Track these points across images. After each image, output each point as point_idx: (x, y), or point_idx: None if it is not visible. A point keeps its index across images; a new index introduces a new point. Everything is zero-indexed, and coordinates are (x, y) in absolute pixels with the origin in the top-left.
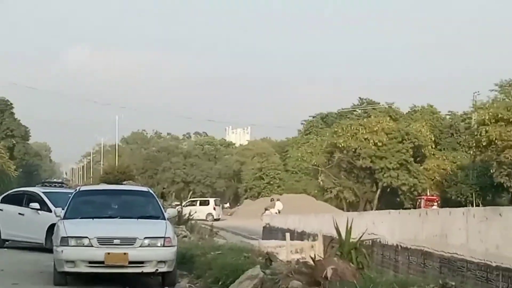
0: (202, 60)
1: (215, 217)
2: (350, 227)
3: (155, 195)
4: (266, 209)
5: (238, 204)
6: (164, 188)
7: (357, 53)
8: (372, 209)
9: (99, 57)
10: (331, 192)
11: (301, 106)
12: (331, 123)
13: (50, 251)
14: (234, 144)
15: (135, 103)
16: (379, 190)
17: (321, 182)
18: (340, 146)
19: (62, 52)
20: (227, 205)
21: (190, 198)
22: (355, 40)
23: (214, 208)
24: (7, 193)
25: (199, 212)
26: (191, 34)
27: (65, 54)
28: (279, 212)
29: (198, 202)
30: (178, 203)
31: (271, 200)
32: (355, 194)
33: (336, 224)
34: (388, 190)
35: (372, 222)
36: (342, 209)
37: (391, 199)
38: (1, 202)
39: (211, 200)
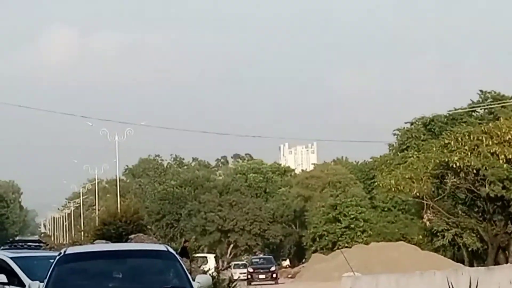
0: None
1: None
2: None
3: (177, 256)
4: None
5: (303, 260)
6: (186, 242)
7: (476, 22)
8: (507, 261)
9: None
10: (443, 237)
11: (393, 108)
12: (439, 131)
13: None
14: (293, 170)
15: (143, 116)
16: None
17: (427, 223)
18: (454, 166)
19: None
20: (287, 262)
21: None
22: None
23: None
24: None
25: None
26: None
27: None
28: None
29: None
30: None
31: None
32: (480, 239)
33: (453, 287)
34: None
35: (509, 281)
36: (462, 261)
37: None
38: None
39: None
